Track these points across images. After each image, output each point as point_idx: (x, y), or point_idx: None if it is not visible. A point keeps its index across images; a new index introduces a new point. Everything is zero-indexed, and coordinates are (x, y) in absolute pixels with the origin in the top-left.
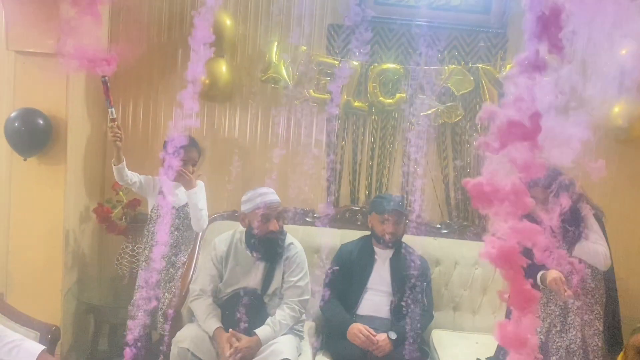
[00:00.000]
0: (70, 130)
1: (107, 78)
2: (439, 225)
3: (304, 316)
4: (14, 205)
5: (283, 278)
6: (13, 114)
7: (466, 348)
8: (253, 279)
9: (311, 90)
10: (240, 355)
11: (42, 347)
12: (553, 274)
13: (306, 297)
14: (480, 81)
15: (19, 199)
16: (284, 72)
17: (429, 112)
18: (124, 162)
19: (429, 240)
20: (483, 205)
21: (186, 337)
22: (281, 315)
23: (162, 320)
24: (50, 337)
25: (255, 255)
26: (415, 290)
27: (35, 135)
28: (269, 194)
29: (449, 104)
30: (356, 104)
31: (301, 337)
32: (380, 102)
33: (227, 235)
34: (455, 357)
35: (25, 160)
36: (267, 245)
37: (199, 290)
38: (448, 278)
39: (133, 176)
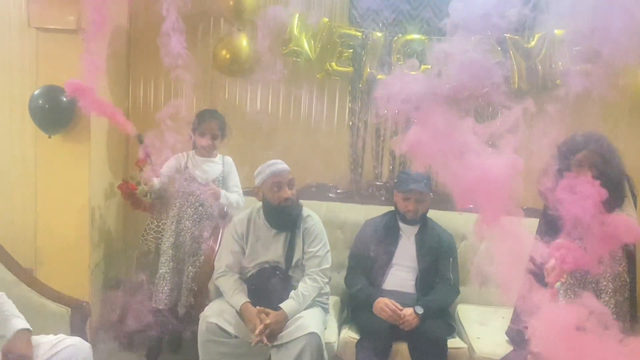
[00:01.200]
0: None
1: (142, 135)
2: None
3: (327, 286)
4: (40, 183)
5: (303, 250)
6: (37, 92)
7: (492, 323)
8: (274, 253)
9: (333, 63)
10: (269, 330)
11: (24, 327)
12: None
13: (326, 265)
14: (508, 52)
15: (45, 177)
16: (305, 45)
17: (455, 83)
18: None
19: (454, 215)
20: None
21: (214, 311)
22: (303, 287)
23: (187, 294)
24: (81, 313)
25: (273, 227)
26: (441, 266)
27: (59, 113)
28: (277, 164)
29: (474, 75)
30: (380, 76)
31: (327, 311)
32: (404, 73)
33: (244, 214)
34: (482, 331)
35: (50, 137)
36: (283, 215)
37: (225, 267)
38: (474, 253)
39: (162, 179)
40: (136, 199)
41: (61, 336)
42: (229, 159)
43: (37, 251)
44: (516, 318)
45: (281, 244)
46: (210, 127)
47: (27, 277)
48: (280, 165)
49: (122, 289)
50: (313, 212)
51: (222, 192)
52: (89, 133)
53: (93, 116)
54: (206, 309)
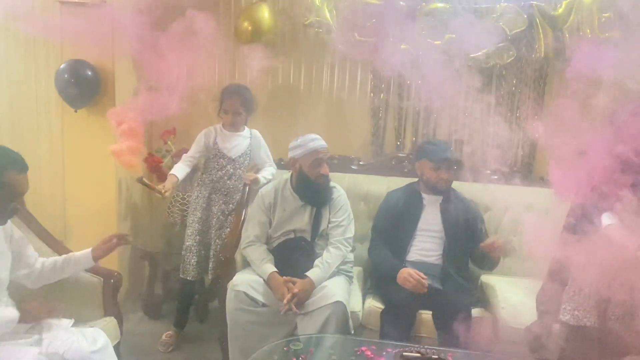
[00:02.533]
0: (117, 80)
1: (143, 178)
2: (488, 171)
3: (350, 255)
4: (68, 157)
5: (329, 220)
6: (62, 66)
7: (517, 292)
8: (300, 222)
9: (356, 34)
10: (297, 299)
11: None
12: None
13: (349, 235)
14: (534, 19)
15: (72, 150)
16: (327, 16)
17: (479, 53)
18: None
19: (478, 186)
20: None
21: (242, 280)
22: (327, 255)
23: (214, 266)
24: (113, 283)
25: (303, 199)
26: (474, 233)
27: (85, 87)
28: (318, 140)
29: (500, 45)
30: (403, 46)
31: (351, 280)
32: (429, 44)
33: (271, 185)
34: (506, 301)
35: (76, 111)
36: (317, 190)
37: (253, 237)
38: (498, 224)
39: (189, 162)
40: (162, 172)
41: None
42: (256, 133)
43: (67, 224)
44: (548, 285)
45: (307, 214)
46: (232, 104)
47: (60, 248)
48: (321, 141)
49: (149, 260)
50: (337, 184)
51: (259, 176)
52: (114, 105)
53: (117, 89)
54: (234, 278)
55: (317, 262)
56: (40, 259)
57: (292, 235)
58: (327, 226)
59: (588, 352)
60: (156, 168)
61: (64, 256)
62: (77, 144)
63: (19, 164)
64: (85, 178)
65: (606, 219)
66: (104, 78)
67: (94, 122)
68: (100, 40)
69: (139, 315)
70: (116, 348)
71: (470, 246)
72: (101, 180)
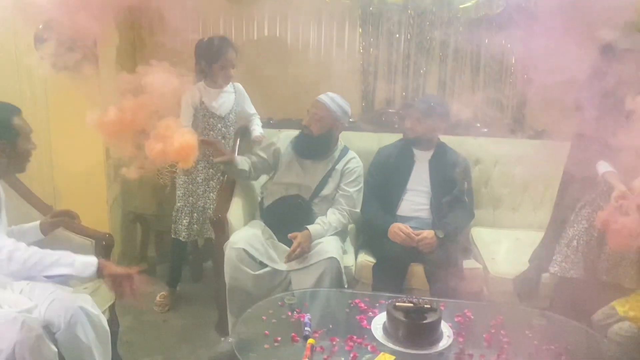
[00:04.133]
0: (100, 41)
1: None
2: (478, 124)
3: (350, 227)
4: (53, 120)
5: (339, 186)
6: (41, 26)
7: (507, 244)
8: (308, 179)
9: None
10: (300, 249)
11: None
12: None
13: (357, 209)
14: None
15: (57, 114)
16: None
17: (469, 4)
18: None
19: (468, 139)
20: None
21: (240, 238)
22: (332, 217)
23: (202, 226)
24: (104, 244)
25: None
26: (455, 189)
27: (67, 48)
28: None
29: None
30: None
31: (344, 239)
32: None
33: (284, 136)
34: (497, 253)
35: (58, 73)
36: (299, 140)
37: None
38: (488, 176)
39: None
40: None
41: (55, 289)
42: (239, 86)
43: (55, 188)
44: (547, 239)
45: (317, 173)
46: (229, 58)
47: (49, 211)
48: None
49: (141, 222)
50: (357, 156)
51: (239, 87)
52: (97, 67)
53: (100, 49)
54: (232, 237)
55: (319, 219)
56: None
57: (290, 194)
58: (336, 192)
59: (575, 303)
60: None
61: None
62: (61, 107)
63: (15, 109)
64: (71, 141)
65: (602, 167)
66: (85, 37)
67: (78, 85)
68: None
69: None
70: (111, 309)
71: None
72: (88, 143)
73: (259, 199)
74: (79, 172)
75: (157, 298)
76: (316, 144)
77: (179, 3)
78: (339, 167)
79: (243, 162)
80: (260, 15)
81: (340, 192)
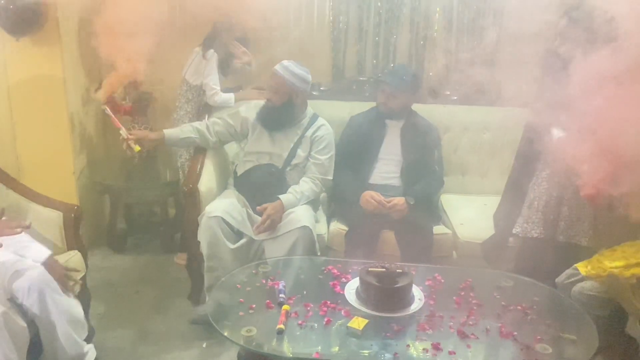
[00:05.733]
0: (60, 7)
1: (106, 108)
2: (448, 92)
3: (322, 195)
4: (14, 90)
5: (310, 154)
6: None
7: (475, 209)
8: (278, 148)
9: None
10: (270, 221)
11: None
12: None
13: (329, 177)
14: None
15: (18, 83)
16: None
17: None
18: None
19: (438, 107)
20: None
21: (217, 207)
22: (305, 187)
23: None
24: (73, 216)
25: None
26: (425, 157)
27: (25, 14)
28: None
29: None
30: None
31: (317, 208)
32: None
33: (253, 104)
34: (465, 218)
35: (17, 40)
36: (262, 111)
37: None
38: (457, 144)
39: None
40: (115, 104)
41: (18, 258)
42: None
43: (19, 160)
44: (505, 201)
45: (286, 142)
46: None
47: (14, 184)
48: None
49: (110, 194)
50: (327, 123)
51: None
52: (58, 34)
53: (61, 15)
54: (208, 207)
55: (291, 188)
56: None
57: (262, 163)
58: (306, 161)
59: (538, 264)
60: (109, 100)
61: None
62: (22, 76)
63: None
64: (35, 112)
65: (556, 133)
66: (45, 4)
67: (39, 53)
68: None
69: (104, 250)
70: (82, 280)
71: (424, 169)
72: (52, 113)
73: (233, 168)
74: (43, 142)
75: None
76: (280, 114)
77: None
78: (308, 134)
79: (184, 131)
80: None
81: (312, 160)
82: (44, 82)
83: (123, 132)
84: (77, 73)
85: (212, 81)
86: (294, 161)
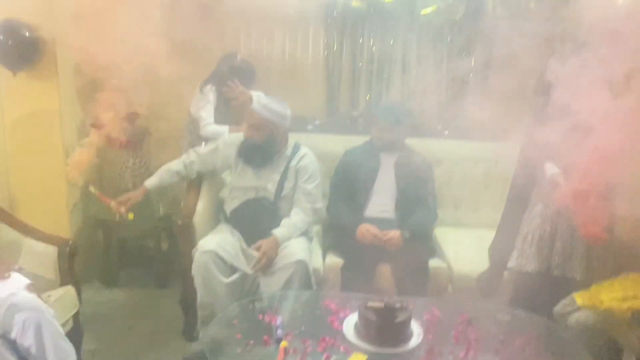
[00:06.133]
0: (58, 41)
1: (92, 188)
2: (440, 127)
3: (316, 228)
4: (9, 124)
5: (296, 184)
6: None
7: (469, 242)
8: (264, 182)
9: None
10: (266, 258)
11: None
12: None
13: (319, 205)
14: None
15: (14, 117)
16: None
17: (430, 10)
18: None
19: (430, 141)
20: None
21: (210, 242)
22: (296, 218)
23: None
24: (68, 251)
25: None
26: (419, 191)
27: (23, 48)
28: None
29: (450, 1)
30: (354, 3)
31: (311, 239)
32: (380, 1)
33: (231, 139)
34: (460, 252)
35: (14, 75)
36: (245, 147)
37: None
38: (450, 177)
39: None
40: (111, 137)
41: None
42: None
43: (12, 194)
44: (499, 236)
45: (274, 174)
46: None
47: (7, 217)
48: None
49: (103, 228)
50: (310, 150)
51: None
52: (55, 68)
53: (59, 49)
54: (201, 241)
55: (284, 222)
56: None
57: (253, 194)
58: (294, 191)
59: (534, 297)
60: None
61: None
62: (18, 110)
63: None
64: (29, 145)
65: (549, 169)
66: (43, 39)
67: (35, 86)
68: None
69: (96, 285)
70: (75, 317)
71: (418, 202)
72: (47, 147)
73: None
74: (37, 175)
75: None
76: (262, 150)
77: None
78: (292, 165)
79: (164, 178)
80: (225, 24)
81: (299, 190)
82: (40, 115)
83: (113, 205)
84: (73, 106)
85: (205, 113)
86: (283, 193)
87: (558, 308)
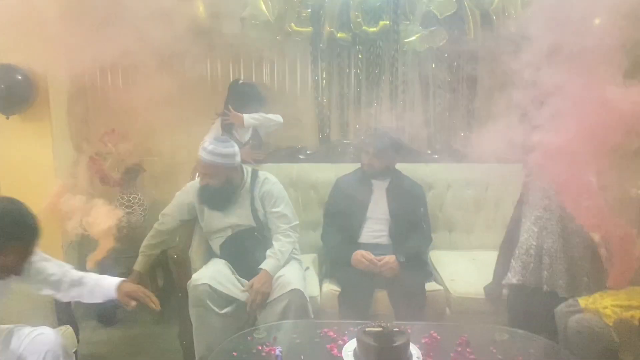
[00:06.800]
0: (51, 85)
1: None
2: (429, 151)
3: (312, 257)
4: (3, 166)
5: (266, 211)
6: None
7: (464, 264)
8: (235, 219)
9: (292, 24)
10: (260, 295)
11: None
12: None
13: (295, 222)
14: (463, 3)
15: (6, 159)
16: (262, 7)
17: (413, 38)
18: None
19: (421, 166)
20: None
21: (203, 275)
22: (279, 244)
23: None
24: None
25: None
26: (412, 215)
27: (16, 92)
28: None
29: (432, 28)
30: (340, 35)
31: (301, 264)
32: (364, 32)
33: (191, 185)
34: (456, 274)
35: (7, 118)
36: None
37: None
38: (442, 201)
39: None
40: (104, 175)
41: (34, 328)
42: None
43: None
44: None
45: (242, 209)
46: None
47: None
48: (203, 152)
49: (97, 265)
50: (269, 174)
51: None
52: (49, 110)
53: (52, 94)
54: (194, 275)
55: (269, 252)
56: (68, 273)
57: (230, 232)
58: (266, 217)
59: (529, 314)
60: (99, 170)
61: (93, 276)
62: (11, 152)
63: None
64: (23, 186)
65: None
66: (35, 82)
67: (29, 129)
68: (30, 44)
69: (93, 324)
70: (75, 355)
71: (412, 227)
72: (40, 187)
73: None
74: None
75: None
76: (222, 193)
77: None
78: (256, 194)
79: (149, 255)
80: (213, 55)
81: (271, 216)
82: (34, 157)
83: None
84: (66, 147)
85: (207, 137)
86: (260, 220)
87: (560, 307)
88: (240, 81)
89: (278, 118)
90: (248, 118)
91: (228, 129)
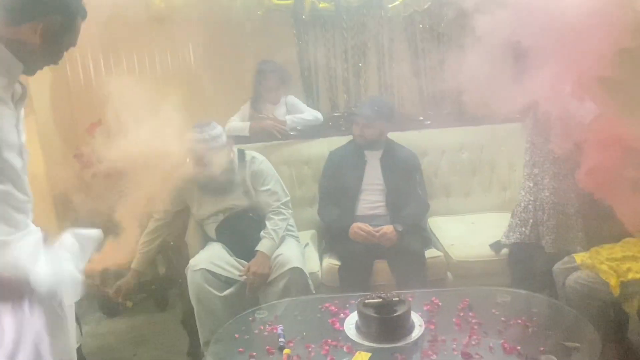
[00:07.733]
0: (31, 78)
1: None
2: (421, 118)
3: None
4: None
5: (256, 190)
6: None
7: (463, 229)
8: (228, 202)
9: None
10: (259, 279)
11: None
12: None
13: (286, 198)
14: None
15: None
16: None
17: (397, 2)
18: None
19: (413, 133)
20: None
21: (200, 260)
22: (271, 223)
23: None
24: None
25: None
26: (408, 183)
27: None
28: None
29: None
30: (322, 5)
31: (297, 239)
32: (347, 0)
33: None
34: (455, 239)
35: None
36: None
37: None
38: (437, 166)
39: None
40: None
41: None
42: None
43: None
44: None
45: (235, 192)
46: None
47: None
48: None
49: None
50: (257, 153)
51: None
52: (32, 104)
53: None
54: (192, 260)
55: (262, 233)
56: None
57: (238, 209)
58: (257, 196)
59: (529, 273)
60: (89, 163)
61: None
62: None
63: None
64: None
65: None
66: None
67: None
68: None
69: (97, 316)
70: (78, 351)
71: (408, 195)
72: (31, 180)
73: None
74: None
75: None
76: (223, 179)
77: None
78: (246, 176)
79: (148, 256)
80: (196, 32)
81: (261, 195)
82: None
83: (111, 295)
84: (53, 140)
85: (233, 117)
86: (254, 200)
87: (557, 265)
88: (266, 61)
89: (318, 115)
90: (290, 121)
91: (259, 108)
